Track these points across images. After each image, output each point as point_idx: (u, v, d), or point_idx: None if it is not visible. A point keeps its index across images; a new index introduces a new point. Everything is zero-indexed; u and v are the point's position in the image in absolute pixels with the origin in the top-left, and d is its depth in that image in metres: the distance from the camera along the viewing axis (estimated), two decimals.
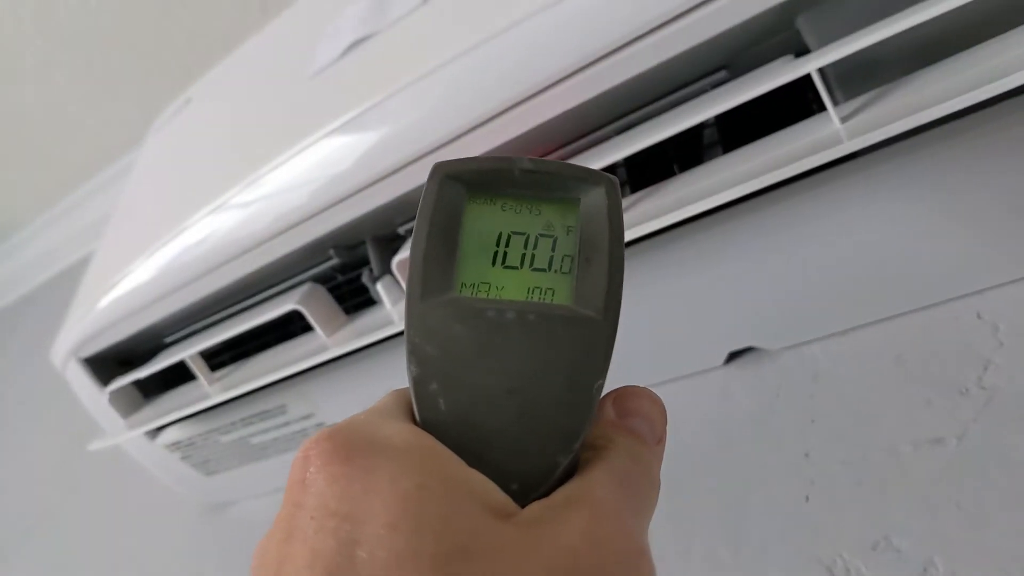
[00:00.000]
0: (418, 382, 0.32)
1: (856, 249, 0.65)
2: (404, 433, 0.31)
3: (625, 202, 0.66)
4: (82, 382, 0.97)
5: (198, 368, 0.88)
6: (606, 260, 0.33)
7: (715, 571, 0.65)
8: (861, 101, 0.58)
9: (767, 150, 0.59)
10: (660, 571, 0.67)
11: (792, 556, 0.62)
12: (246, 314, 0.85)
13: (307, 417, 0.92)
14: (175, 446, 1.00)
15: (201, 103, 1.12)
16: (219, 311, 0.90)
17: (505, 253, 0.34)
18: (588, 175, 0.35)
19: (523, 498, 0.31)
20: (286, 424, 0.93)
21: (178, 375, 0.95)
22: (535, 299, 0.34)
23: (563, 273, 0.34)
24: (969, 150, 0.59)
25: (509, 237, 0.34)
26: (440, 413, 0.32)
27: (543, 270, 0.34)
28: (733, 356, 0.74)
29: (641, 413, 0.34)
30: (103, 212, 2.06)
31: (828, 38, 0.57)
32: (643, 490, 0.32)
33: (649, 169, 0.68)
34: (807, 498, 0.64)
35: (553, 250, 0.34)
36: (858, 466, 0.63)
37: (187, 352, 0.86)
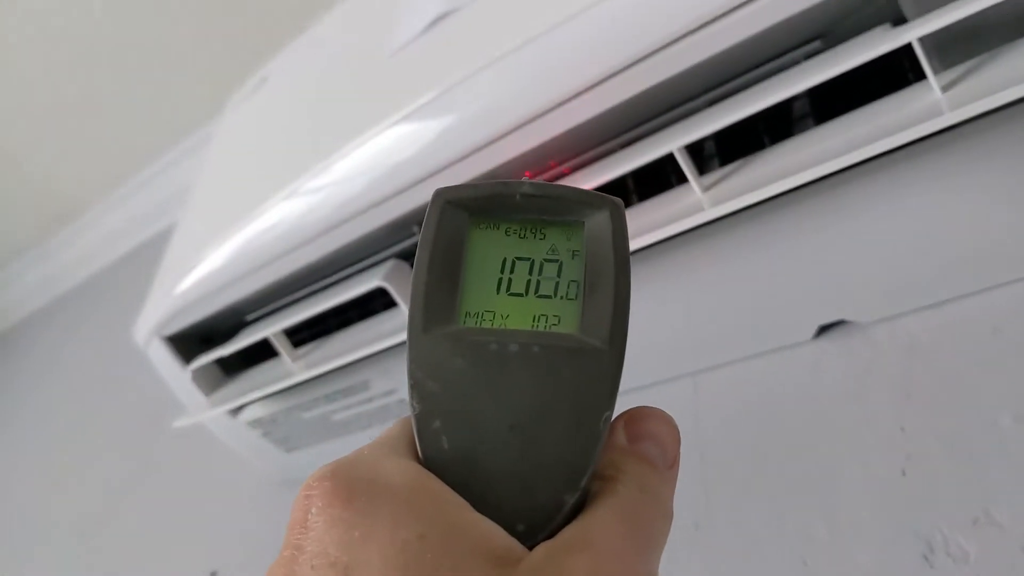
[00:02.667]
0: (420, 419, 0.31)
1: (951, 219, 0.64)
2: (407, 473, 0.30)
3: (714, 175, 0.65)
4: (165, 360, 0.99)
5: (282, 346, 0.89)
6: (611, 287, 0.32)
7: (811, 546, 0.64)
8: (962, 70, 0.57)
9: (864, 121, 0.59)
10: (756, 548, 0.67)
11: (890, 531, 0.61)
12: (330, 291, 0.85)
13: (390, 393, 0.92)
14: (257, 423, 1.01)
15: (279, 81, 1.12)
16: (301, 288, 0.91)
17: (510, 280, 0.34)
18: (591, 198, 0.34)
19: (530, 538, 0.30)
20: (369, 400, 0.94)
21: (258, 352, 0.96)
22: (541, 327, 0.33)
23: (569, 299, 0.33)
24: None
25: (514, 263, 0.34)
26: (443, 452, 0.31)
27: (548, 296, 0.33)
28: (823, 329, 0.74)
29: (653, 436, 0.33)
30: (173, 189, 2.08)
31: (926, 6, 0.56)
32: (652, 523, 0.31)
33: (738, 141, 0.67)
34: (904, 472, 0.63)
35: (559, 275, 0.34)
36: (956, 439, 0.62)
37: (271, 330, 0.87)
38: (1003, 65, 0.55)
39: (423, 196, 0.75)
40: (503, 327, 0.33)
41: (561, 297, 0.33)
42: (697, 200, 0.64)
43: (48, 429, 2.04)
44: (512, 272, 0.34)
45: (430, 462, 0.31)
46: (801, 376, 0.73)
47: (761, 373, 0.75)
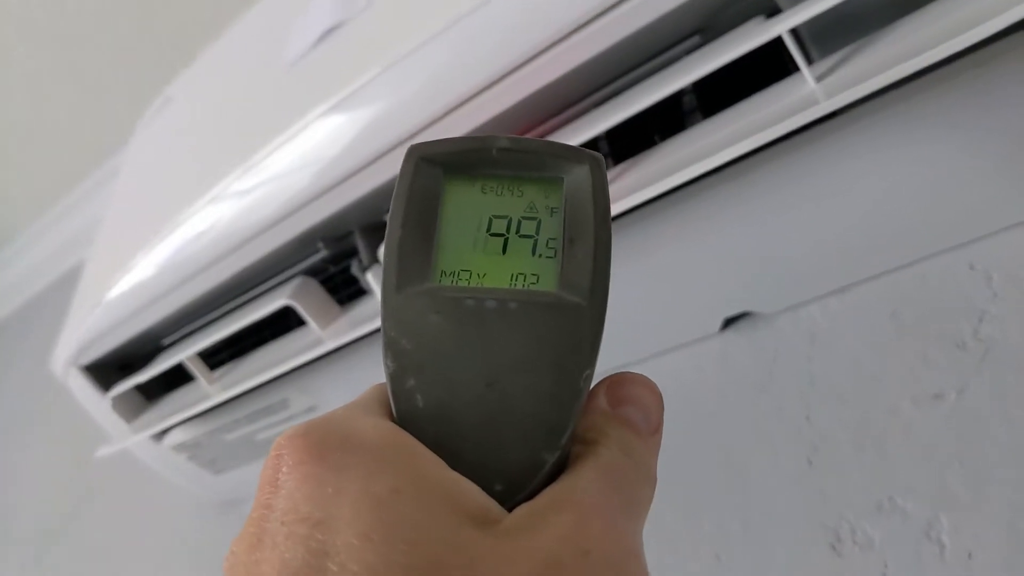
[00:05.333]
0: (394, 378, 0.31)
1: (845, 206, 0.64)
2: (381, 430, 0.29)
3: (609, 174, 0.65)
4: (84, 390, 0.97)
5: (197, 369, 0.88)
6: (592, 242, 0.32)
7: (727, 541, 0.65)
8: (836, 58, 0.56)
9: (745, 115, 0.58)
10: (674, 546, 0.67)
11: (799, 522, 0.62)
12: (241, 311, 0.84)
13: (311, 410, 0.92)
14: (181, 447, 1.00)
15: (181, 101, 1.11)
16: (214, 309, 0.90)
17: (487, 238, 0.32)
18: (570, 153, 0.33)
19: (508, 499, 0.29)
20: (290, 418, 0.93)
21: (180, 374, 0.94)
22: (519, 286, 0.32)
23: (548, 257, 0.32)
24: (951, 101, 0.58)
25: (491, 220, 0.33)
26: (418, 410, 0.30)
27: (527, 255, 0.32)
28: (729, 322, 0.74)
29: (635, 401, 0.32)
30: (97, 214, 2.05)
31: None
32: (636, 486, 0.30)
33: (631, 139, 0.67)
34: (810, 462, 0.63)
35: (537, 233, 0.32)
36: (859, 427, 0.63)
37: (184, 354, 0.86)
38: (875, 52, 0.55)
39: (325, 210, 0.74)
40: (480, 285, 0.32)
41: (540, 255, 0.32)
42: None
43: None
44: (489, 230, 0.33)
45: (405, 422, 0.30)
46: (710, 370, 0.73)
47: (672, 369, 0.75)
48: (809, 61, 0.56)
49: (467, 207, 0.33)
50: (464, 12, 0.64)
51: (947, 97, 0.57)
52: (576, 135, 0.61)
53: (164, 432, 0.99)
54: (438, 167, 0.33)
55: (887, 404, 0.62)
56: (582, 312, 0.31)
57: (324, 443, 0.28)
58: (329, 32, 0.80)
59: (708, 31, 0.61)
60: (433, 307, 0.31)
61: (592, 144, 0.68)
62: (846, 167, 0.62)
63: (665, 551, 0.67)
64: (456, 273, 0.32)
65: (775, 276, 0.69)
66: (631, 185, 0.62)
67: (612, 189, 0.63)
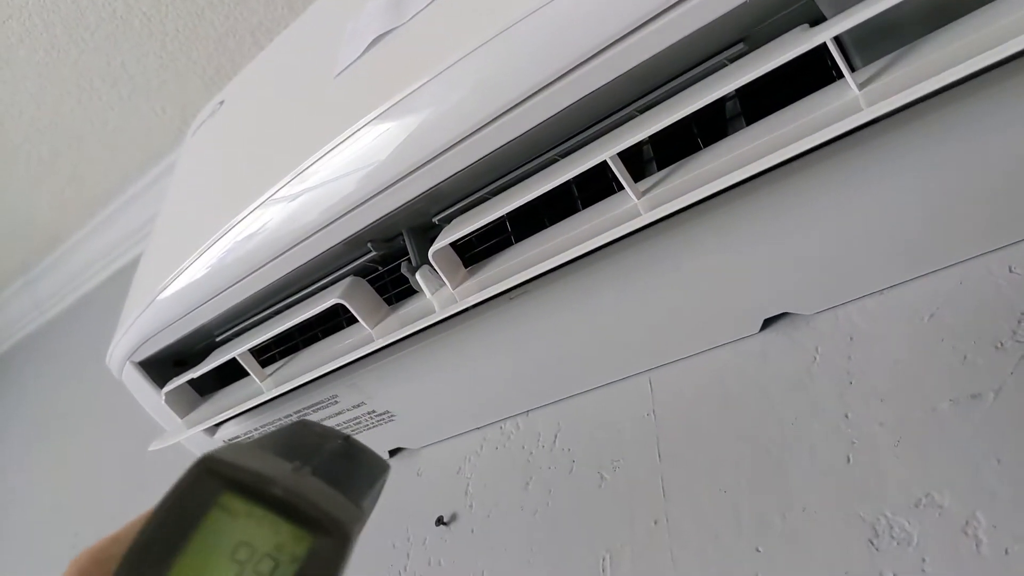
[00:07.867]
0: None
1: (885, 209, 0.65)
2: None
3: (649, 181, 0.66)
4: (139, 385, 1.00)
5: (249, 366, 0.90)
6: None
7: (766, 537, 0.66)
8: (879, 65, 0.58)
9: (787, 122, 0.60)
10: (715, 542, 0.68)
11: (837, 517, 0.63)
12: (293, 309, 0.87)
13: (359, 406, 0.94)
14: (234, 440, 1.03)
15: (233, 106, 1.13)
16: (266, 307, 0.92)
17: (226, 562, 0.32)
18: (327, 520, 0.33)
19: None
20: (339, 413, 0.96)
21: (232, 370, 0.97)
22: None
23: None
24: (995, 105, 0.59)
25: (238, 546, 0.32)
26: None
27: None
28: (768, 322, 0.75)
29: None
30: (151, 213, 2.09)
31: (842, 5, 0.57)
32: None
33: (674, 144, 0.68)
34: (848, 459, 0.65)
35: (270, 574, 0.32)
36: (897, 425, 0.64)
37: (237, 350, 0.88)
38: (917, 59, 0.56)
39: (374, 213, 0.76)
40: None
41: None
42: (633, 206, 0.65)
43: (40, 455, 2.05)
44: (232, 554, 0.32)
45: None
46: (750, 369, 0.74)
47: (712, 368, 0.77)
48: (852, 68, 0.58)
49: (224, 527, 0.33)
50: (516, 18, 0.66)
51: (987, 100, 0.58)
52: (620, 141, 0.63)
53: (217, 426, 1.02)
54: (219, 480, 0.33)
55: (925, 403, 0.63)
56: None
57: None
58: (377, 40, 0.82)
59: (752, 39, 0.63)
60: None
61: (636, 148, 0.70)
62: (885, 171, 0.63)
63: (707, 543, 0.69)
64: None
65: (814, 278, 0.71)
66: (672, 191, 0.64)
67: (654, 194, 0.65)
